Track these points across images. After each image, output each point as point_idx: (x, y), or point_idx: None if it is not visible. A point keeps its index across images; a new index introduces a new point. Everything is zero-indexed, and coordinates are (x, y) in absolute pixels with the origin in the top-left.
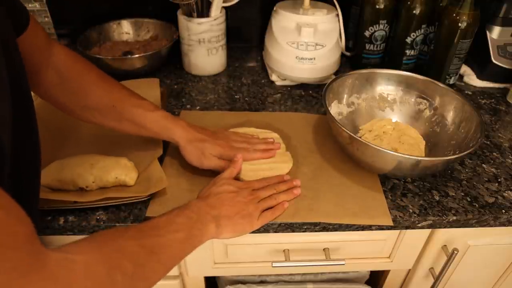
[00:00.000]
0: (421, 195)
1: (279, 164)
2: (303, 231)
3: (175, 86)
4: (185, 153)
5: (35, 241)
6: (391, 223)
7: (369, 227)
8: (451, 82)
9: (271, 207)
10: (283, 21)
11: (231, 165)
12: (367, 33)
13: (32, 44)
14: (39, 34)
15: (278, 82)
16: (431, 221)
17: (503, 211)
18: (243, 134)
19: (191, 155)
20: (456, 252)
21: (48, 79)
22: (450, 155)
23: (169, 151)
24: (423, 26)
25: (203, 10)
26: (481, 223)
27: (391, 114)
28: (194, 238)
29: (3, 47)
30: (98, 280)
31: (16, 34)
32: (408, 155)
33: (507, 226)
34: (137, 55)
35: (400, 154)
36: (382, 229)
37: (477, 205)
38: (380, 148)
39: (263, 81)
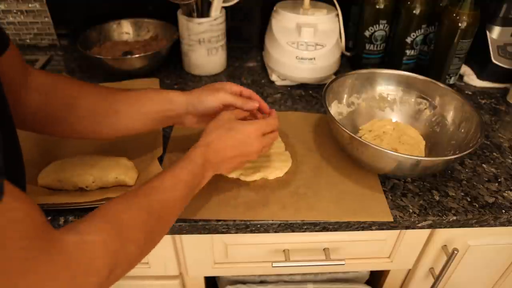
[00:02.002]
0: (421, 195)
1: (278, 163)
2: (303, 231)
3: (175, 86)
4: (201, 98)
5: (50, 228)
6: (391, 219)
7: (369, 227)
8: (451, 82)
9: None
10: (283, 21)
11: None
12: (367, 33)
13: (11, 67)
14: (17, 57)
15: (278, 82)
16: (431, 221)
17: (503, 211)
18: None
19: (204, 97)
20: (456, 252)
21: (33, 99)
22: (450, 155)
23: (169, 151)
24: (423, 26)
25: (203, 10)
26: (481, 223)
27: (391, 114)
28: (195, 188)
29: None
30: (115, 255)
31: None
32: (408, 155)
33: (507, 226)
34: (137, 55)
35: (400, 154)
36: (382, 229)
37: (477, 205)
38: (380, 148)
39: (263, 81)
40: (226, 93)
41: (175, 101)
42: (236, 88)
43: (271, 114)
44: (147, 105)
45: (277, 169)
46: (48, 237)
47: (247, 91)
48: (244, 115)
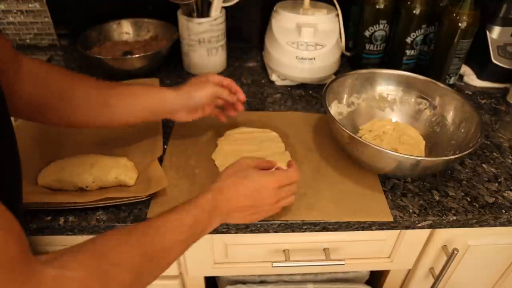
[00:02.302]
0: (421, 195)
1: (278, 163)
2: (303, 231)
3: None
4: (192, 94)
5: (30, 259)
6: (391, 219)
7: (369, 227)
8: (451, 82)
9: None
10: (283, 21)
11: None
12: (367, 33)
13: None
14: (7, 46)
15: (278, 82)
16: (431, 221)
17: (503, 211)
18: None
19: (194, 92)
20: (456, 252)
21: (25, 89)
22: (450, 155)
23: (169, 151)
24: (423, 26)
25: (203, 10)
26: (481, 223)
27: (391, 114)
28: (197, 235)
29: None
30: None
31: None
32: (408, 155)
33: (507, 226)
34: (137, 55)
35: (400, 154)
36: (382, 229)
37: (477, 205)
38: (380, 148)
39: (263, 81)
40: (214, 85)
41: (167, 98)
42: (218, 78)
43: (291, 166)
44: (139, 101)
45: None
46: (24, 270)
47: (227, 80)
48: (266, 166)
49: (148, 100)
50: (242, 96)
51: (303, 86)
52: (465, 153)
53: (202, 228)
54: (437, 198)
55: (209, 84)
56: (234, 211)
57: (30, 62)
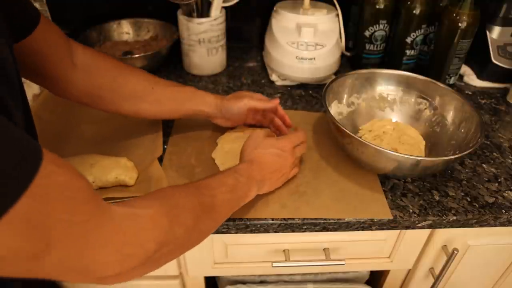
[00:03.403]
0: (421, 195)
1: None
2: (303, 231)
3: None
4: (227, 106)
5: (99, 197)
6: (390, 216)
7: (369, 227)
8: (451, 82)
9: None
10: (283, 21)
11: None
12: (367, 33)
13: (47, 42)
14: (54, 31)
15: (278, 82)
16: (431, 221)
17: (503, 211)
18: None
19: (230, 104)
20: (456, 252)
21: (79, 77)
22: (450, 155)
23: (169, 151)
24: (423, 26)
25: (203, 10)
26: (481, 223)
27: (391, 114)
28: (239, 199)
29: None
30: (163, 231)
31: (27, 33)
32: (408, 155)
33: (507, 226)
34: (137, 55)
35: (400, 154)
36: (382, 229)
37: (477, 205)
38: (380, 148)
39: (263, 81)
40: (250, 99)
41: (209, 105)
42: (258, 95)
43: (297, 129)
44: (185, 103)
45: None
46: (97, 203)
47: (265, 98)
48: (273, 135)
49: (194, 105)
50: (287, 121)
51: (303, 86)
52: (465, 153)
53: (243, 192)
54: (437, 198)
55: (246, 97)
56: (266, 178)
57: (85, 51)
